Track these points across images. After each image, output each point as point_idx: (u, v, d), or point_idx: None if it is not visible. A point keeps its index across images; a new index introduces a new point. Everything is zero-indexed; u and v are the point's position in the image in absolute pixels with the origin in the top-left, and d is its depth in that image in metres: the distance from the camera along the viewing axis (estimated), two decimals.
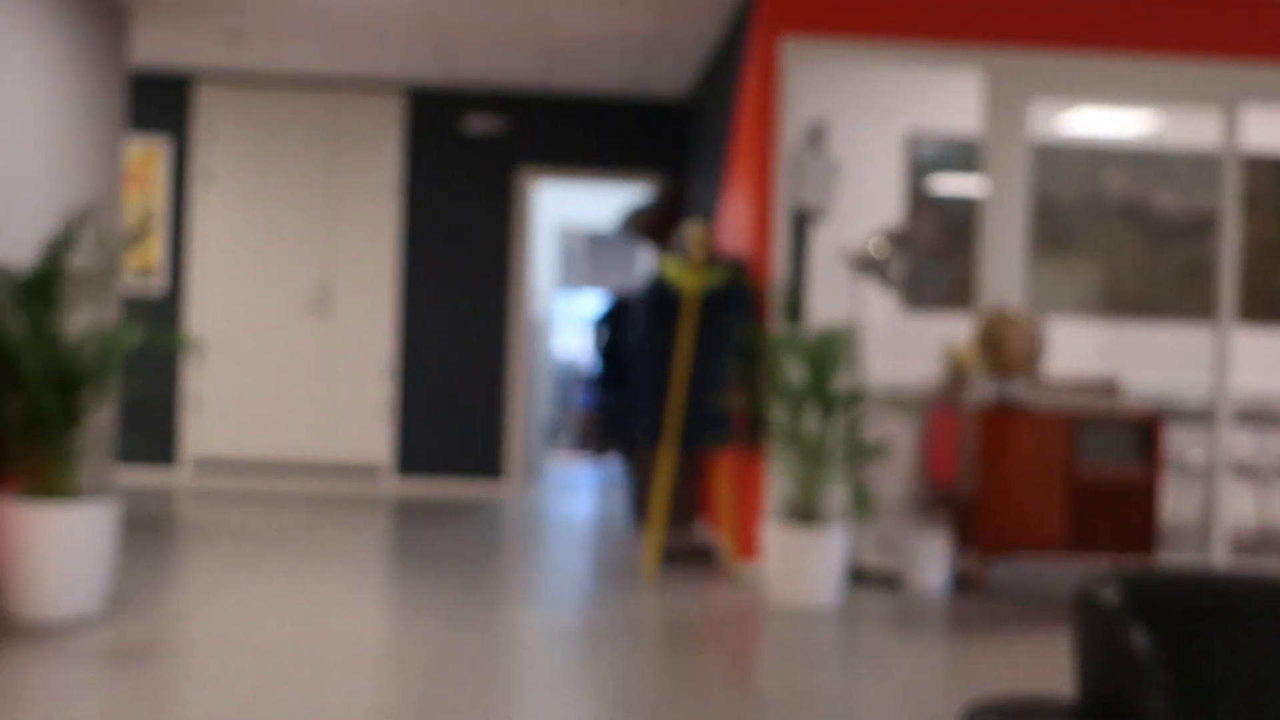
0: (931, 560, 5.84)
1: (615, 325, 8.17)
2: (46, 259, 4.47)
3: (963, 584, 6.01)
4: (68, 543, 4.40)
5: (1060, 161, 8.36)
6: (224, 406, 9.07)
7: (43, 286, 4.40)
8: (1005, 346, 5.76)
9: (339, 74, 8.95)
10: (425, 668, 4.09)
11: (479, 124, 8.82)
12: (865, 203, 8.26)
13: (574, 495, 9.33)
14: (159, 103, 8.97)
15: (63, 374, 4.42)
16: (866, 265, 6.30)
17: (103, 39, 7.01)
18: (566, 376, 13.17)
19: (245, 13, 7.43)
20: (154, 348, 8.83)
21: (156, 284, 8.93)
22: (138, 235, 8.74)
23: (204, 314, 9.02)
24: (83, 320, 6.18)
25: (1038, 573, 6.21)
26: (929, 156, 8.52)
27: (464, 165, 9.00)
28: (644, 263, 11.64)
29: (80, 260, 4.77)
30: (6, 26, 5.78)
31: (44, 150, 6.23)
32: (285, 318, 9.10)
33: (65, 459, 4.48)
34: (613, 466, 11.60)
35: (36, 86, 6.13)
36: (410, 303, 9.06)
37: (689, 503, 7.47)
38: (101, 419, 5.72)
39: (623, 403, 6.46)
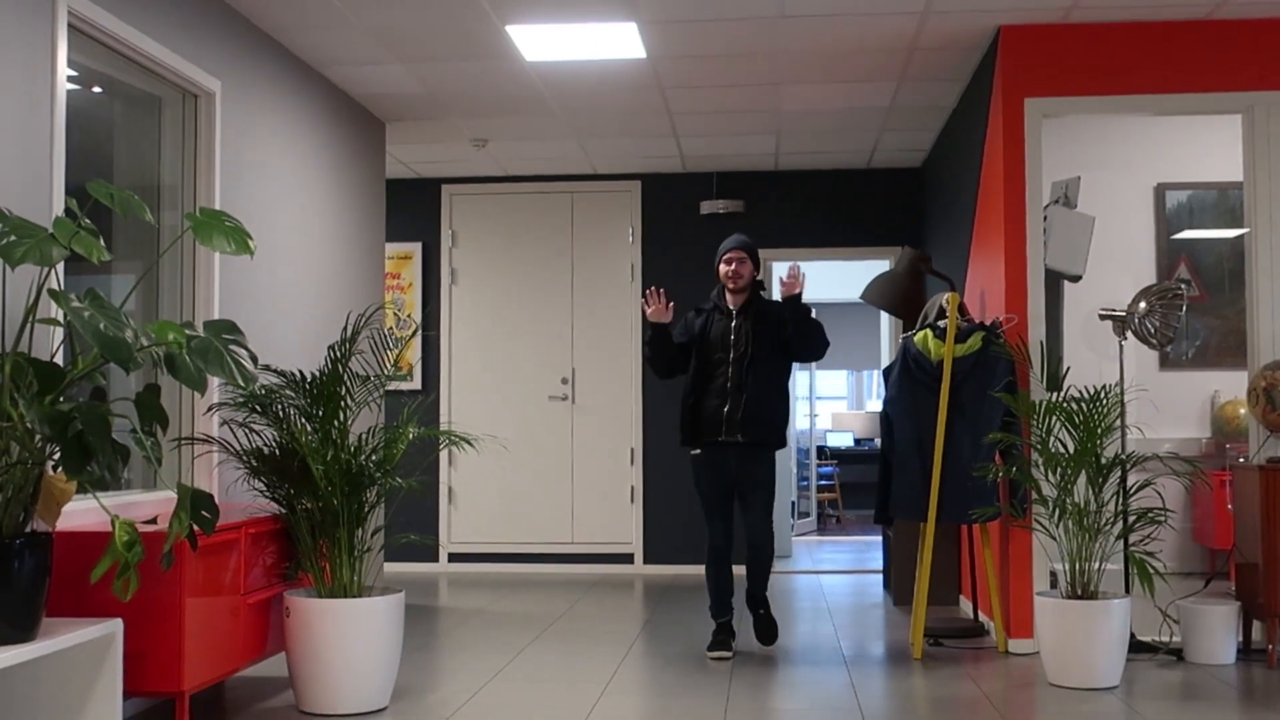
0: (1216, 630, 5.53)
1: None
2: (331, 364, 4.71)
3: (1252, 655, 5.67)
4: (360, 637, 4.57)
5: None
6: (477, 499, 9.33)
7: (328, 391, 4.63)
8: None
9: (576, 169, 9.21)
10: None
11: (713, 207, 8.93)
12: (1116, 255, 8.00)
13: (825, 573, 9.21)
14: (407, 208, 9.39)
15: (349, 475, 4.62)
16: (1128, 323, 6.08)
17: (364, 150, 7.41)
18: (803, 451, 13.06)
19: (491, 120, 7.74)
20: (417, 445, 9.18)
21: (411, 381, 9.31)
22: (408, 337, 9.14)
23: (456, 408, 9.33)
24: (359, 422, 6.47)
25: None
26: (1178, 205, 8.21)
27: (700, 250, 9.10)
28: (883, 333, 11.50)
29: (357, 363, 5.01)
30: (285, 142, 6.17)
31: (318, 259, 6.60)
32: (533, 408, 9.33)
33: (353, 556, 4.68)
34: (858, 542, 11.41)
35: (310, 199, 6.51)
36: (651, 387, 9.17)
37: (951, 577, 7.27)
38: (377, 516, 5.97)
39: (880, 475, 6.36)
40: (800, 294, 5.74)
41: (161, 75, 5.07)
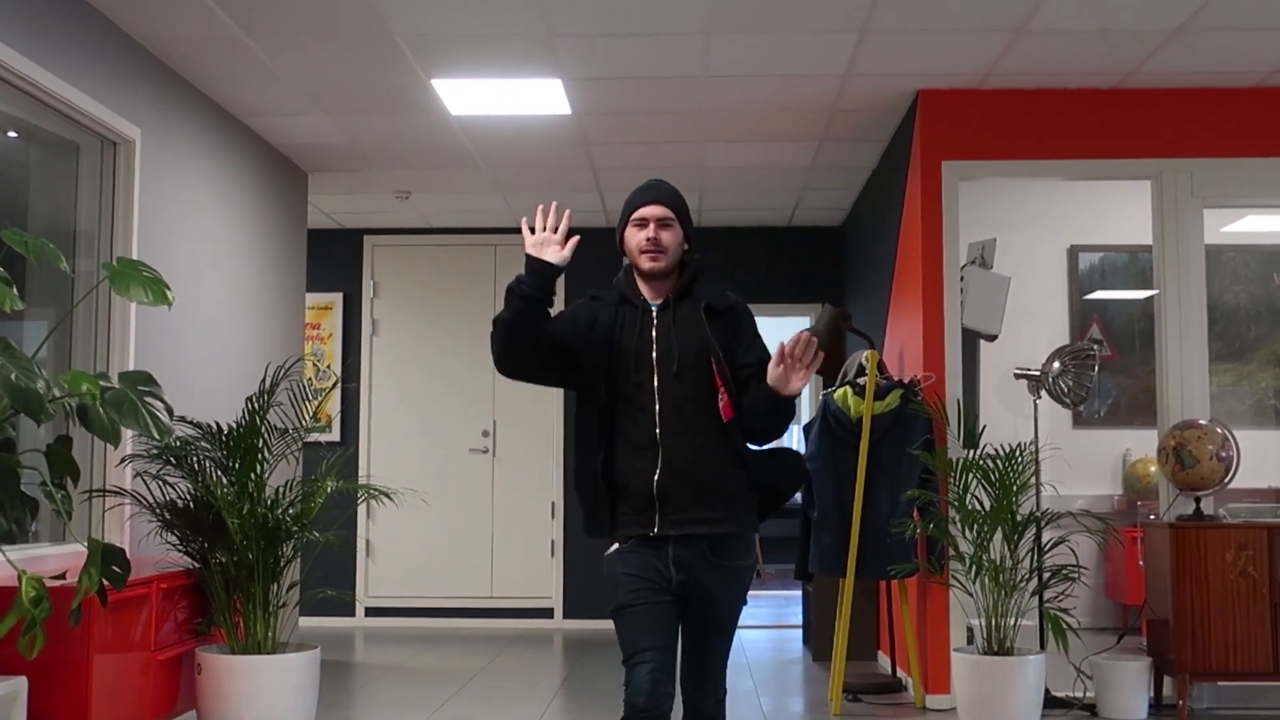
0: (1128, 686, 5.60)
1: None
2: (248, 416, 4.65)
3: (1163, 710, 5.75)
4: (274, 695, 4.49)
5: (1225, 266, 8.16)
6: (395, 552, 9.22)
7: (245, 443, 4.56)
8: (1197, 460, 5.57)
9: (499, 222, 9.22)
10: None
11: None
12: (1030, 315, 8.15)
13: (745, 628, 9.21)
14: (329, 258, 9.32)
15: (265, 529, 4.55)
16: (1042, 382, 6.19)
17: (286, 200, 7.35)
18: None
19: (414, 172, 7.73)
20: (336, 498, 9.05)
21: (330, 432, 9.20)
22: (328, 389, 9.04)
23: (375, 460, 9.24)
24: (276, 474, 6.39)
25: (1244, 697, 5.91)
26: (1090, 266, 8.39)
27: None
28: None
29: (275, 415, 4.95)
30: (205, 190, 6.11)
31: (237, 309, 6.52)
32: (453, 461, 9.26)
33: (268, 611, 4.59)
34: (779, 597, 11.43)
35: (230, 248, 6.44)
36: (573, 441, 9.13)
37: (870, 633, 7.31)
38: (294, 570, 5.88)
39: (801, 531, 6.38)
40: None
41: (80, 122, 5.01)
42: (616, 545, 3.32)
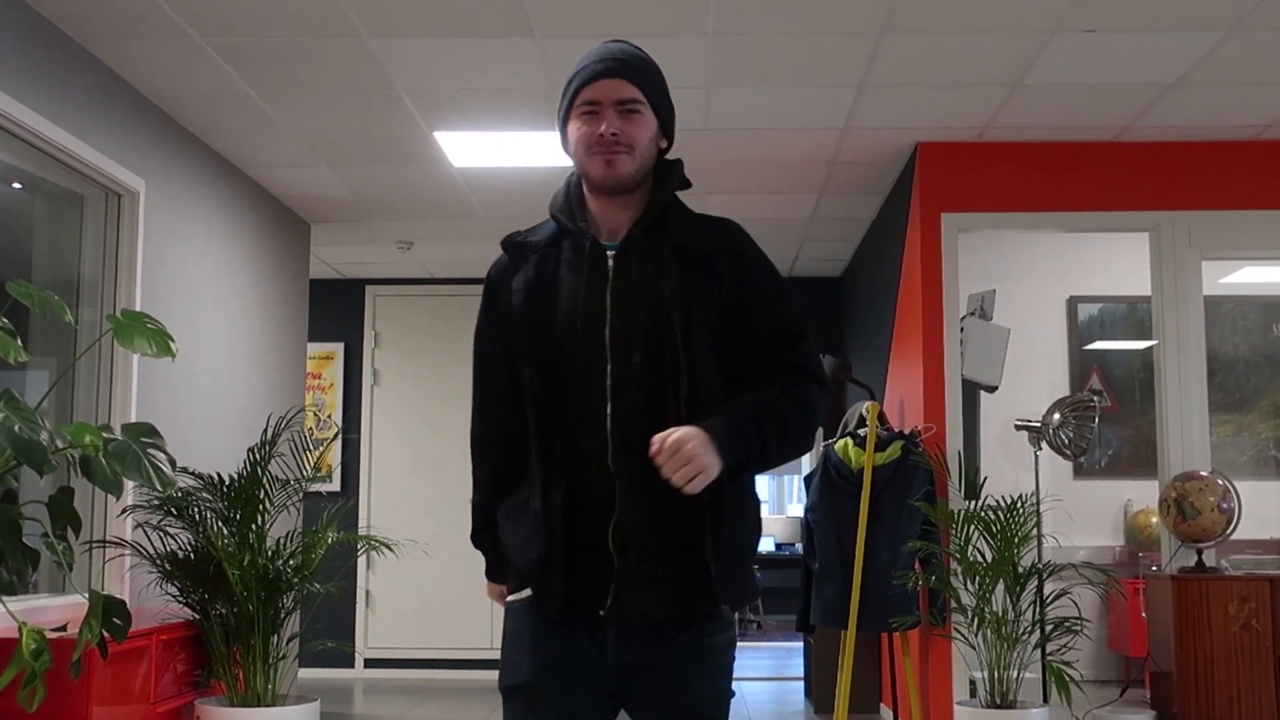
0: None
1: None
2: (249, 466, 4.65)
3: None
4: None
5: (1224, 317, 8.19)
6: (395, 603, 9.18)
7: (246, 494, 4.56)
8: (1199, 512, 5.56)
9: None
10: None
11: None
12: (1030, 365, 8.16)
13: (746, 680, 9.15)
14: (330, 308, 9.36)
15: (266, 580, 4.55)
16: (1043, 434, 6.19)
17: (288, 251, 7.39)
18: None
19: (416, 223, 7.77)
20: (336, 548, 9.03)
21: (330, 483, 9.19)
22: (329, 440, 9.03)
23: (375, 510, 9.22)
24: (277, 525, 6.38)
25: None
26: (1090, 317, 8.42)
27: None
28: None
29: (276, 466, 4.95)
30: (208, 241, 6.14)
31: (239, 359, 6.54)
32: (453, 511, 9.24)
33: (267, 663, 4.58)
34: (783, 648, 11.37)
35: (233, 298, 6.47)
36: None
37: (872, 685, 7.26)
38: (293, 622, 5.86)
39: (802, 582, 6.36)
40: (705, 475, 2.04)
41: (85, 174, 5.05)
42: (528, 591, 2.28)
